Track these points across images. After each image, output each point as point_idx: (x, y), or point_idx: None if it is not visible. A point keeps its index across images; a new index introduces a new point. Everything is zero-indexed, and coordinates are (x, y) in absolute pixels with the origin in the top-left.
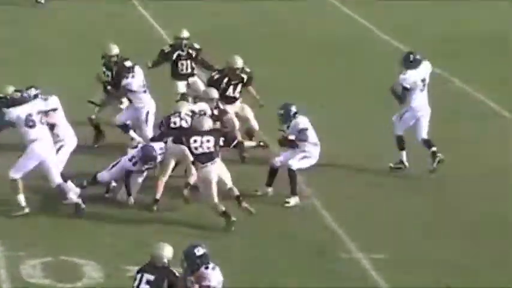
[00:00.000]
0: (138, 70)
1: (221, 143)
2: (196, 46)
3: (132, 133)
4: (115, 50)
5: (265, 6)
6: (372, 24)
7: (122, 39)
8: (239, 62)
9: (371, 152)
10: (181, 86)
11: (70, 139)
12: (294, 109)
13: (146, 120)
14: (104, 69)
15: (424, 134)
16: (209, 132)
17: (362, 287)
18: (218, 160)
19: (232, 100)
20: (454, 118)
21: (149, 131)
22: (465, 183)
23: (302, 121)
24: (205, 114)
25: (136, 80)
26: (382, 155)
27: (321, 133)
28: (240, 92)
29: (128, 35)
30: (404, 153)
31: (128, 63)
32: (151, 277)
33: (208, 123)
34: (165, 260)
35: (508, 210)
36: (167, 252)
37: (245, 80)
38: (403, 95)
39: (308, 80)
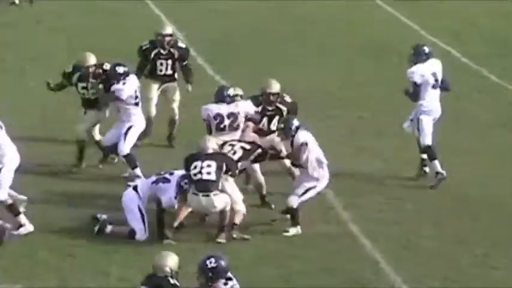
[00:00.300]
0: (132, 79)
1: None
2: (181, 45)
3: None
4: (92, 59)
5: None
6: (418, 25)
7: (129, 39)
8: (275, 87)
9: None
10: (154, 90)
11: (11, 159)
12: (295, 123)
13: (125, 135)
14: (79, 83)
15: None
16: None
17: None
18: (215, 193)
19: (266, 133)
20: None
21: (125, 147)
22: None
23: (302, 136)
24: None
25: (128, 88)
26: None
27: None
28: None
29: (137, 35)
30: (437, 162)
31: (121, 69)
32: None
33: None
34: (168, 270)
35: None
36: (170, 261)
37: (284, 113)
38: (414, 91)
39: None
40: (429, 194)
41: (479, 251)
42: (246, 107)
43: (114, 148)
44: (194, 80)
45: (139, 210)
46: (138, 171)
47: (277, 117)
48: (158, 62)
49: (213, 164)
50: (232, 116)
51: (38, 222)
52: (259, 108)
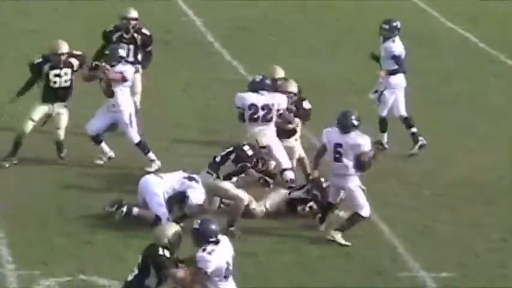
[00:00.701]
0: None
1: None
2: (146, 32)
3: (103, 146)
4: (64, 47)
5: None
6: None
7: (146, 25)
8: (293, 87)
9: (438, 156)
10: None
11: None
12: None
13: (131, 122)
14: (50, 71)
15: (403, 111)
16: None
17: None
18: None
19: (285, 134)
20: None
21: (135, 135)
22: None
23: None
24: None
25: (131, 69)
26: (449, 160)
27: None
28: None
29: (154, 20)
30: (385, 135)
31: (122, 52)
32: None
33: None
34: (165, 241)
35: None
36: (168, 232)
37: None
38: (399, 63)
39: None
40: (445, 179)
41: (495, 236)
42: (281, 100)
43: (96, 139)
44: (211, 64)
45: (164, 196)
46: (151, 155)
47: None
48: None
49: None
50: (267, 107)
51: (54, 210)
52: (308, 105)
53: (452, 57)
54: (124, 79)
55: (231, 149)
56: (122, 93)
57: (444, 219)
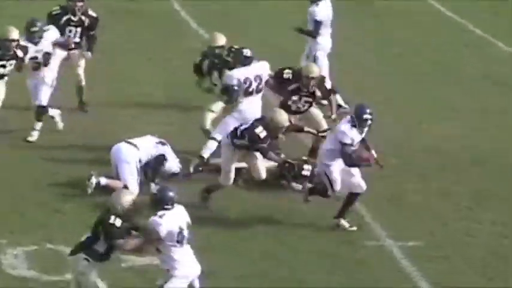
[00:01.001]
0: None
1: None
2: (92, 14)
3: (52, 111)
4: (15, 33)
5: None
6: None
7: None
8: (316, 71)
9: (407, 125)
10: (59, 57)
11: None
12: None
13: (47, 85)
14: None
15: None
16: None
17: (393, 278)
18: None
19: (293, 111)
20: None
21: (44, 98)
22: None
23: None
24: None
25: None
26: (418, 129)
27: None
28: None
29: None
30: (338, 96)
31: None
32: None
33: None
34: (118, 208)
35: None
36: (121, 199)
37: (316, 97)
38: (316, 28)
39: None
40: (414, 149)
41: (463, 204)
42: (266, 67)
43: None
44: (177, 32)
45: (136, 165)
46: (38, 125)
47: (308, 99)
48: (67, 29)
49: None
50: (258, 78)
51: (25, 180)
52: (294, 86)
53: (422, 28)
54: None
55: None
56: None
57: (412, 188)
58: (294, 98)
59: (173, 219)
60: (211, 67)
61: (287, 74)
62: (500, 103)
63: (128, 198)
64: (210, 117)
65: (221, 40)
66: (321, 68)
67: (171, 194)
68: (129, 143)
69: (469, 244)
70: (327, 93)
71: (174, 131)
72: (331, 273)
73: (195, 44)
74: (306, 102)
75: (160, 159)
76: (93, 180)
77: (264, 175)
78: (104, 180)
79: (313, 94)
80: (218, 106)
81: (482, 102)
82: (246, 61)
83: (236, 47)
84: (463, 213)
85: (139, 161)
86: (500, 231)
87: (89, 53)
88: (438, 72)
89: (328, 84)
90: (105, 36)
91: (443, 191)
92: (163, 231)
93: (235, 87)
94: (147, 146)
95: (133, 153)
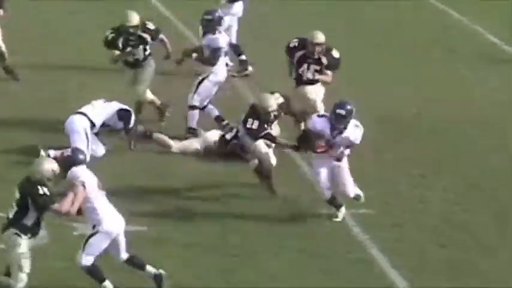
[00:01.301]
0: None
1: None
2: None
3: None
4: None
5: None
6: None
7: None
8: (321, 37)
9: (358, 94)
10: None
11: None
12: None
13: None
14: None
15: (233, 39)
16: None
17: (345, 245)
18: None
19: (304, 82)
20: None
21: None
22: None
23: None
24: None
25: None
26: (370, 97)
27: None
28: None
29: None
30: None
31: None
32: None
33: None
34: (38, 176)
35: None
36: (44, 167)
37: (324, 65)
38: (215, 56)
39: None
40: (367, 119)
41: (416, 172)
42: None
43: None
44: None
45: (86, 133)
46: None
47: (316, 67)
48: None
49: None
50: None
51: None
52: (301, 53)
53: None
54: None
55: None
56: None
57: (365, 157)
58: (303, 67)
59: (88, 172)
60: (125, 44)
61: (293, 42)
62: (454, 72)
63: (48, 166)
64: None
65: (135, 20)
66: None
67: (81, 156)
68: (79, 113)
69: (421, 212)
70: (334, 62)
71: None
72: (283, 239)
73: (149, 12)
74: (315, 71)
75: (114, 117)
76: (42, 153)
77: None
78: (52, 153)
79: (319, 61)
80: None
81: (436, 72)
82: (215, 24)
83: (149, 24)
84: (416, 181)
85: (94, 125)
86: (453, 198)
87: (1, 10)
88: (392, 41)
89: (336, 54)
90: None
91: (396, 160)
92: (84, 178)
93: (222, 50)
94: (97, 112)
95: (83, 122)
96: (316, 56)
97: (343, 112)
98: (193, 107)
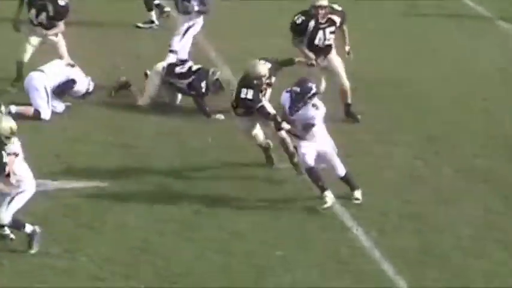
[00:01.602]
0: None
1: None
2: None
3: None
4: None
5: None
6: None
7: None
8: (323, 0)
9: None
10: None
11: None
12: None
13: None
14: None
15: None
16: None
17: (306, 201)
18: None
19: (323, 51)
20: None
21: None
22: None
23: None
24: None
25: None
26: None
27: None
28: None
29: None
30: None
31: None
32: None
33: None
34: None
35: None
36: (3, 124)
37: (337, 23)
38: None
39: None
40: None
41: (377, 127)
42: None
43: None
44: None
45: (45, 90)
46: None
47: (331, 29)
48: None
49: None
50: None
51: None
52: (311, 24)
53: None
54: None
55: None
56: None
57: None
58: (319, 35)
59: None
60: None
61: (297, 18)
62: (405, 25)
63: (6, 125)
64: (29, 50)
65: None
66: None
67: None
68: (38, 70)
69: (384, 167)
70: (343, 15)
71: None
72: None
73: None
74: (330, 33)
75: (69, 83)
76: (3, 109)
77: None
78: (14, 108)
79: (332, 21)
80: (36, 40)
81: (388, 25)
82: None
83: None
84: (378, 136)
85: (51, 85)
86: (416, 153)
87: None
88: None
89: (338, 7)
90: None
91: (362, 117)
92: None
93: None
94: (55, 71)
95: (42, 79)
96: (325, 19)
97: (298, 90)
98: (173, 52)
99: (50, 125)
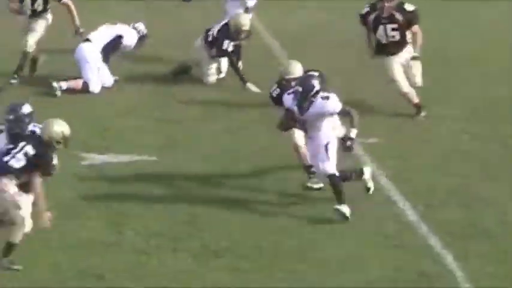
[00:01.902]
0: None
1: None
2: None
3: None
4: None
5: None
6: None
7: None
8: None
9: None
10: None
11: None
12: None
13: None
14: None
15: None
16: None
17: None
18: None
19: (387, 48)
20: None
21: None
22: None
23: None
24: None
25: None
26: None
27: None
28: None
29: None
30: None
31: None
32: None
33: None
34: (46, 137)
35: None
36: (52, 129)
37: (402, 21)
38: None
39: None
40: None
41: (424, 102)
42: None
43: None
44: None
45: (95, 61)
46: None
47: (392, 25)
48: None
49: None
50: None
51: None
52: (373, 16)
53: None
54: None
55: None
56: None
57: (367, 87)
58: (379, 30)
59: None
60: None
61: (365, 9)
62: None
63: (59, 129)
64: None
65: None
66: None
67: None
68: (86, 40)
69: (429, 141)
70: (411, 16)
71: None
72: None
73: None
74: (392, 30)
75: (116, 39)
76: (55, 85)
77: None
78: (64, 84)
79: (393, 18)
80: (42, 26)
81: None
82: None
83: None
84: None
85: (100, 48)
86: (463, 127)
87: None
88: None
89: (409, 7)
90: None
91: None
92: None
93: None
94: (99, 35)
95: (91, 49)
96: (387, 14)
97: (300, 89)
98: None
99: (99, 98)
